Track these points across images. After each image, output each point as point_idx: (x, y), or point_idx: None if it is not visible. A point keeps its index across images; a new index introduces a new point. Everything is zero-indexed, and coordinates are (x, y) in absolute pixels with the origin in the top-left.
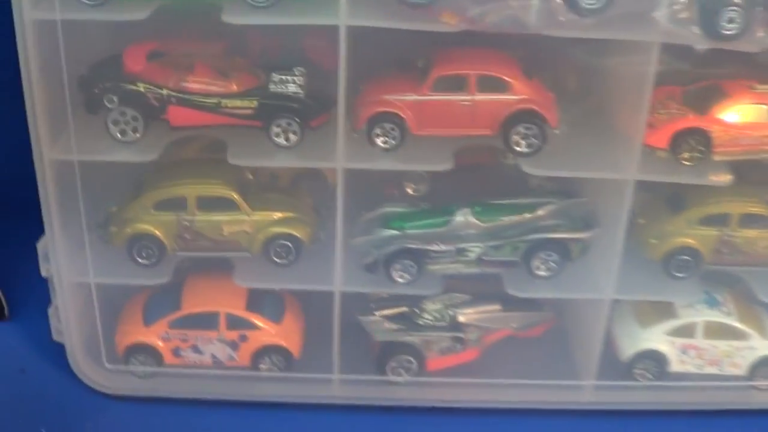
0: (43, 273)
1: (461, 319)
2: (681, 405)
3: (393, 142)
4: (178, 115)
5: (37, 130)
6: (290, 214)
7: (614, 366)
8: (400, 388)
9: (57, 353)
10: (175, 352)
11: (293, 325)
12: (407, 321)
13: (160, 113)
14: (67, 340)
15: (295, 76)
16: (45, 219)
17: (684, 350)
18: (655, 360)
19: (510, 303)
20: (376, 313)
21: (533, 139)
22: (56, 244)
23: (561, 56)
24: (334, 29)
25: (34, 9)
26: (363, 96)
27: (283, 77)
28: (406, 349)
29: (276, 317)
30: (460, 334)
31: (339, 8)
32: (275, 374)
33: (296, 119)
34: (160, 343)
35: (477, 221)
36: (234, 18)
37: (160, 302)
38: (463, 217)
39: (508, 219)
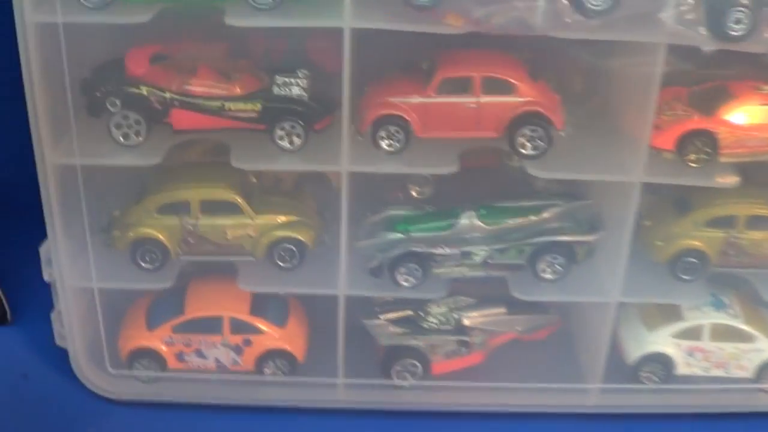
0: (46, 277)
1: (466, 322)
2: (687, 408)
3: (398, 144)
4: (181, 118)
5: (39, 134)
6: (294, 218)
7: (620, 369)
8: (405, 392)
9: (60, 358)
10: (179, 356)
11: (297, 329)
12: (412, 324)
13: (163, 116)
14: (70, 345)
15: (299, 78)
16: (47, 223)
17: (690, 353)
18: (661, 363)
19: (515, 306)
20: (381, 316)
21: (539, 142)
22: (59, 249)
23: (566, 58)
24: (338, 31)
25: (36, 12)
26: (367, 98)
27: (287, 80)
28: (411, 353)
29: (280, 321)
30: (466, 338)
31: (343, 10)
32: (279, 379)
33: (300, 122)
34: (163, 348)
35: (482, 224)
36: (237, 20)
37: (164, 306)
38: (468, 220)
39: (513, 222)
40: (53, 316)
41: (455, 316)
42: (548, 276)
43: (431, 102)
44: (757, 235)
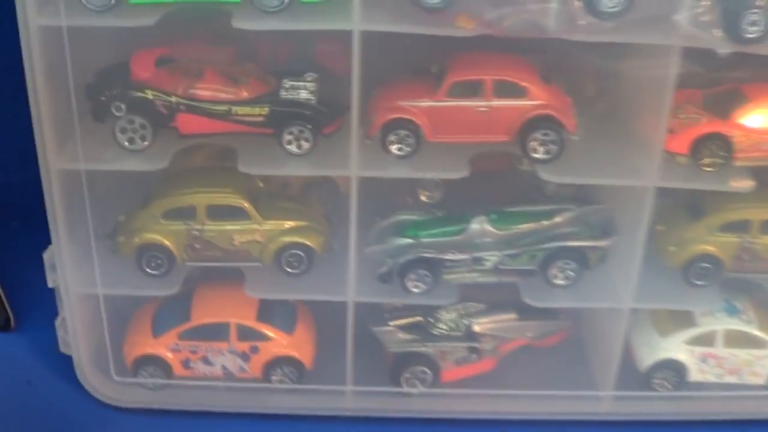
0: (50, 283)
1: (476, 328)
2: (701, 415)
3: (408, 149)
4: (187, 122)
5: (43, 139)
6: (302, 223)
7: (632, 376)
8: (415, 400)
9: (64, 365)
10: (185, 363)
11: (305, 336)
12: (422, 331)
13: (168, 121)
14: (75, 352)
15: (307, 82)
16: (51, 228)
17: (703, 359)
18: (674, 369)
19: (526, 312)
20: (390, 323)
21: (551, 146)
22: (63, 254)
23: (578, 60)
24: (347, 34)
25: (40, 15)
26: (377, 102)
27: (295, 83)
28: (420, 360)
29: (288, 328)
30: (476, 344)
31: (352, 13)
32: (287, 386)
33: (308, 126)
34: (169, 355)
35: (493, 229)
36: (244, 23)
37: (170, 313)
38: (478, 225)
39: (524, 226)
40: (57, 322)
41: (465, 322)
42: (560, 282)
43: (442, 106)
44: None
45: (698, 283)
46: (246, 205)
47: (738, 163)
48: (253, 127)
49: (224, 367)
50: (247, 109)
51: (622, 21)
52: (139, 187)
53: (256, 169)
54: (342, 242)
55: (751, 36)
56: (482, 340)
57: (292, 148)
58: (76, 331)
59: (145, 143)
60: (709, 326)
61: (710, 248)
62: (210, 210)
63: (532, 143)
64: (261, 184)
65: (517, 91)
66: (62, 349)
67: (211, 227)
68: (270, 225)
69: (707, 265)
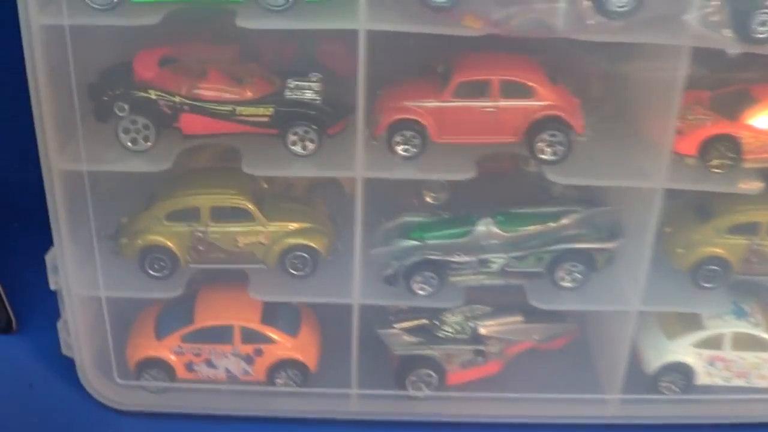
0: (52, 285)
1: (482, 331)
2: (708, 419)
3: (414, 150)
4: (191, 123)
5: (45, 139)
6: (307, 225)
7: (639, 379)
8: (420, 403)
9: (66, 367)
10: (188, 366)
11: (310, 339)
12: (427, 334)
13: (172, 121)
14: (77, 355)
15: (312, 82)
16: (53, 230)
17: (711, 362)
18: (681, 372)
19: (532, 314)
20: (395, 325)
21: (559, 147)
22: (65, 256)
23: (586, 60)
24: (352, 33)
25: (42, 14)
26: (382, 102)
27: (300, 83)
28: (426, 363)
29: (292, 330)
30: (482, 347)
31: (358, 12)
32: (291, 389)
33: (313, 127)
34: (172, 358)
35: (499, 231)
36: (249, 22)
37: (173, 315)
38: (485, 227)
39: (531, 228)
40: (59, 324)
41: (471, 324)
42: (567, 284)
43: (448, 106)
44: None
45: (706, 285)
46: (250, 206)
47: (747, 165)
48: (258, 128)
49: (228, 370)
50: (251, 110)
51: (631, 21)
52: (142, 188)
53: (261, 170)
54: (347, 244)
55: (761, 36)
56: (488, 342)
57: (297, 148)
58: (78, 334)
59: (148, 144)
60: (716, 329)
61: (718, 250)
62: (214, 211)
63: (539, 144)
64: (265, 186)
65: (524, 92)
66: (64, 351)
67: (215, 229)
68: (274, 227)
69: (715, 268)
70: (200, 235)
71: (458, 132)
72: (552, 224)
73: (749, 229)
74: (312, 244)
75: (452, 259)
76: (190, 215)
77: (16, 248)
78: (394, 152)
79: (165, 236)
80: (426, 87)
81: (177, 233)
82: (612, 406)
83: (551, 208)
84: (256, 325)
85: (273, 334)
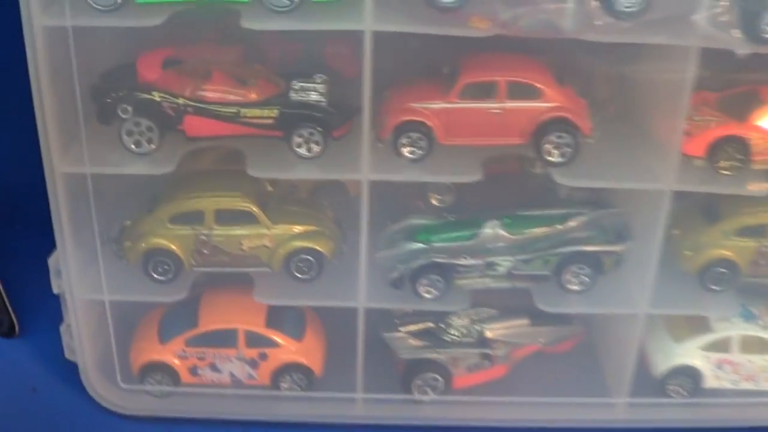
0: (55, 289)
1: (488, 334)
2: (716, 422)
3: (420, 152)
4: (195, 125)
5: (48, 142)
6: (312, 228)
7: (647, 382)
8: (426, 407)
9: (69, 372)
10: (192, 370)
11: (315, 343)
12: (433, 337)
13: (176, 123)
14: (80, 359)
15: (317, 83)
16: (56, 233)
17: (719, 365)
18: (689, 376)
19: (539, 317)
20: (401, 329)
21: (566, 148)
22: (68, 260)
23: (593, 61)
24: (358, 35)
25: (44, 15)
26: (388, 104)
27: (305, 85)
28: (432, 367)
29: (297, 334)
30: (488, 350)
31: (364, 13)
32: (296, 393)
33: (318, 129)
34: (176, 362)
35: (506, 233)
36: (254, 23)
37: (177, 319)
38: (491, 230)
39: (538, 231)
40: (62, 328)
41: (477, 328)
42: (574, 287)
43: (454, 108)
44: None
45: (714, 288)
46: (255, 209)
47: (755, 167)
48: (262, 130)
49: (232, 374)
50: (256, 111)
51: (640, 21)
52: (145, 190)
53: (265, 172)
54: (352, 247)
55: None
56: (494, 346)
57: (302, 151)
58: (81, 338)
59: (152, 146)
60: (724, 332)
61: (727, 253)
62: (218, 214)
63: (546, 146)
64: (270, 188)
65: (531, 93)
66: (67, 355)
67: (219, 232)
68: (279, 230)
69: (724, 270)
70: (204, 238)
71: (465, 134)
72: (559, 227)
73: (758, 231)
74: (317, 248)
75: (458, 262)
76: (194, 218)
77: (19, 251)
78: (400, 154)
79: (169, 239)
80: (432, 88)
81: (181, 236)
82: (619, 409)
83: (558, 210)
84: (260, 329)
85: (278, 338)
